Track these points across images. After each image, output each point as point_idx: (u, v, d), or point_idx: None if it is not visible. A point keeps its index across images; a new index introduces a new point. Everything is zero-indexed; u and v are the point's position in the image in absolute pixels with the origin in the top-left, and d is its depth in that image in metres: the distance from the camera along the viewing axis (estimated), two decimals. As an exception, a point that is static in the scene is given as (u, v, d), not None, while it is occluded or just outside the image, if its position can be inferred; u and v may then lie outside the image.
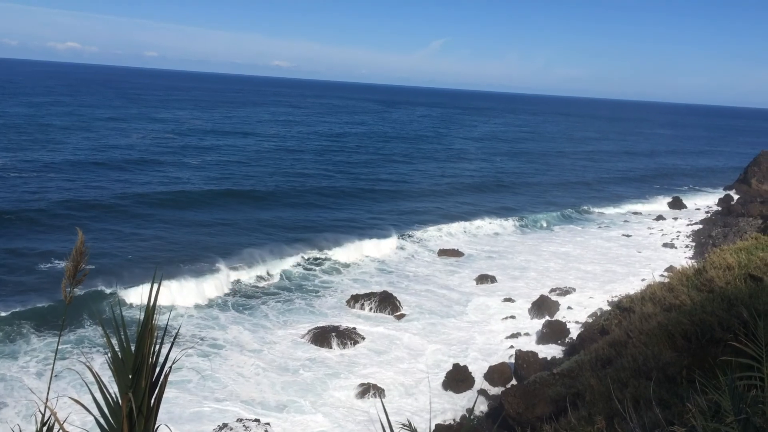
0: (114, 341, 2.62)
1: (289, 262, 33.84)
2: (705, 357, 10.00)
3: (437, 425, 18.53)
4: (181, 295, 27.53)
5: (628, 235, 46.42)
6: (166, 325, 3.52)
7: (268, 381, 21.36)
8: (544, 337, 25.84)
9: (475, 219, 47.06)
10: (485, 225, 46.15)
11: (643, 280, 32.80)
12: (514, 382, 21.33)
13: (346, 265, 35.08)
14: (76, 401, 2.65)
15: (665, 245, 43.45)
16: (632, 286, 30.73)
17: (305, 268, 33.83)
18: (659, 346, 11.97)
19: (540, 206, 55.26)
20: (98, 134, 78.67)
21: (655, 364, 11.26)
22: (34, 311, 24.41)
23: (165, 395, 2.68)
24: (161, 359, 2.67)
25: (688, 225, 50.85)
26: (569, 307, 29.54)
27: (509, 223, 47.50)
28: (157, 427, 2.66)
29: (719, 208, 58.41)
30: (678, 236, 46.47)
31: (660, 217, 53.85)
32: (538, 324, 27.23)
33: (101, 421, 2.57)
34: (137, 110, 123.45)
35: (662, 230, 48.78)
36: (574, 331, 25.67)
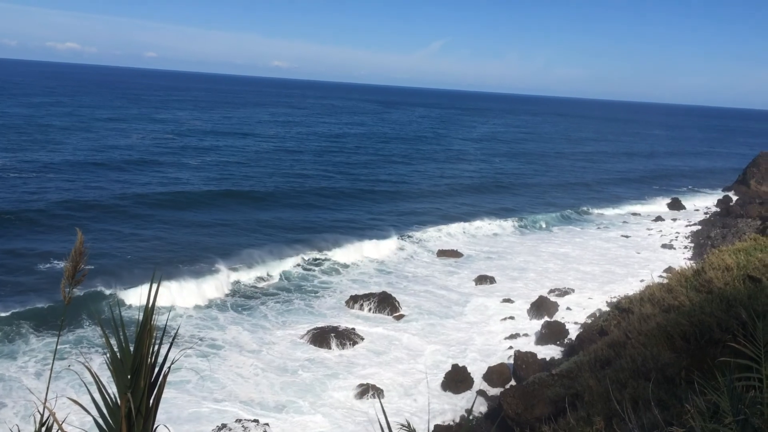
0: (113, 341, 2.62)
1: (289, 263, 33.83)
2: (704, 358, 10.01)
3: (436, 426, 18.53)
4: (180, 295, 27.52)
5: (627, 236, 46.45)
6: (165, 325, 3.52)
7: (267, 381, 21.35)
8: (543, 338, 25.85)
9: (474, 220, 47.08)
10: (484, 226, 46.17)
11: (642, 281, 32.82)
12: (513, 382, 21.33)
13: (345, 266, 35.08)
14: (75, 402, 2.65)
15: (664, 246, 43.48)
16: (631, 287, 30.73)
17: (304, 269, 33.83)
18: (658, 347, 11.97)
19: (539, 207, 55.28)
20: (98, 135, 78.65)
21: (654, 364, 11.27)
22: (33, 311, 24.40)
23: (164, 395, 2.68)
24: (160, 359, 2.67)
25: (686, 226, 50.88)
26: (568, 308, 29.54)
27: (508, 224, 47.52)
28: (156, 427, 2.66)
29: (718, 209, 58.45)
30: (677, 237, 46.50)
31: (659, 218, 53.89)
32: (537, 325, 27.24)
33: (100, 421, 2.57)
34: (137, 111, 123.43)
35: (661, 231, 48.81)
36: (573, 332, 25.68)
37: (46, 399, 2.64)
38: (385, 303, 28.46)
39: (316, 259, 35.13)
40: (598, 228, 49.67)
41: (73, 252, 2.88)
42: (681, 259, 38.68)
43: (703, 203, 62.81)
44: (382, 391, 20.91)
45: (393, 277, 33.99)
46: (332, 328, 25.45)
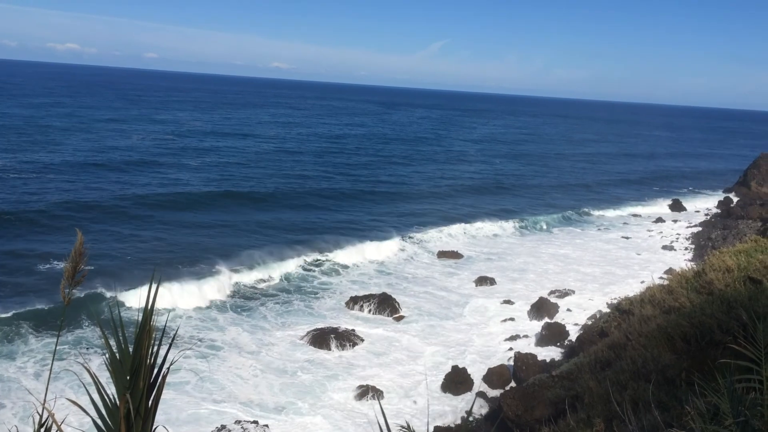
0: (112, 342, 2.61)
1: (288, 264, 33.81)
2: (704, 359, 10.00)
3: (436, 427, 18.51)
4: (179, 296, 27.51)
5: (627, 238, 46.45)
6: (165, 326, 3.52)
7: (267, 383, 21.34)
8: (543, 339, 25.84)
9: (474, 221, 47.08)
10: (485, 227, 46.17)
11: (642, 282, 32.79)
12: (513, 384, 21.32)
13: (345, 267, 35.08)
14: (74, 402, 2.64)
15: (664, 247, 43.47)
16: (631, 288, 30.72)
17: (304, 270, 33.82)
18: (658, 349, 11.96)
19: (539, 208, 55.29)
20: (98, 135, 78.67)
21: (654, 366, 11.25)
22: (33, 312, 24.39)
23: (163, 396, 2.67)
24: (159, 360, 2.67)
25: (687, 227, 50.87)
26: (568, 309, 29.53)
27: (509, 225, 47.52)
28: (155, 428, 2.65)
29: (719, 211, 58.45)
30: (677, 238, 46.49)
31: (659, 220, 53.88)
32: (537, 326, 27.22)
33: (99, 422, 2.56)
34: (137, 111, 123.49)
35: (661, 232, 48.80)
36: (573, 334, 25.65)
37: (45, 400, 2.64)
38: (385, 304, 28.45)
39: (315, 260, 35.13)
40: (599, 229, 49.67)
41: (72, 253, 2.87)
42: (681, 260, 38.66)
43: (703, 204, 62.82)
44: (381, 392, 20.89)
45: (393, 278, 33.98)
46: (332, 329, 25.44)
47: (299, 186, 55.93)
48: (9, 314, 23.99)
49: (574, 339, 24.42)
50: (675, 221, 53.91)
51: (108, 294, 26.87)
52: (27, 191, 43.84)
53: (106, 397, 2.56)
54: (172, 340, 2.81)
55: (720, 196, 67.30)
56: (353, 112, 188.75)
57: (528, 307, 29.36)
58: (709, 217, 55.80)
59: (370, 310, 28.30)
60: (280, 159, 72.38)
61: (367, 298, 29.14)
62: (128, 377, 2.56)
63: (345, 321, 27.00)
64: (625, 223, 52.60)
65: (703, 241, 44.40)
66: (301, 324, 26.49)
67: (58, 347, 22.42)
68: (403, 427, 3.33)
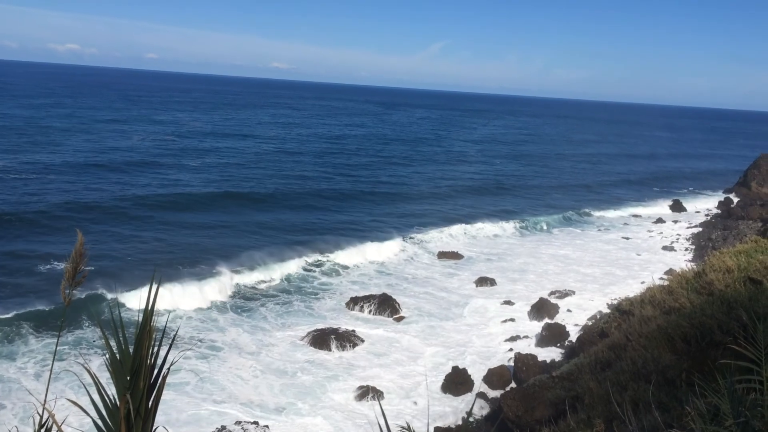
0: (112, 343, 2.62)
1: (288, 264, 33.81)
2: (704, 360, 9.99)
3: (436, 428, 18.50)
4: (179, 297, 27.51)
5: (627, 238, 46.44)
6: (165, 326, 3.52)
7: (267, 383, 21.33)
8: (543, 340, 25.83)
9: (474, 221, 47.08)
10: (485, 227, 46.17)
11: (642, 282, 32.77)
12: (513, 385, 21.31)
13: (346, 267, 35.08)
14: (74, 403, 2.64)
15: (665, 248, 43.46)
16: (632, 288, 30.72)
17: (304, 270, 33.81)
18: (659, 349, 11.96)
19: (540, 209, 55.29)
20: (98, 136, 78.70)
21: (655, 367, 11.25)
22: (33, 312, 24.40)
23: (163, 397, 2.67)
24: (159, 361, 2.67)
25: (687, 228, 50.86)
26: (569, 310, 29.52)
27: (509, 226, 47.51)
28: (155, 428, 2.65)
29: (719, 211, 58.45)
30: (678, 239, 46.48)
31: (660, 220, 53.88)
32: (537, 327, 27.21)
33: (99, 422, 2.56)
34: (137, 112, 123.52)
35: (662, 233, 48.80)
36: (574, 334, 25.64)
37: (45, 400, 2.64)
38: (385, 305, 28.45)
39: (316, 261, 35.13)
40: (599, 230, 49.66)
41: (73, 253, 2.87)
42: (682, 261, 38.64)
43: (704, 205, 62.81)
44: (382, 393, 20.89)
45: (393, 278, 33.98)
46: (332, 329, 25.44)
47: (299, 187, 55.94)
48: (9, 315, 24.00)
49: (574, 340, 24.41)
50: (675, 222, 53.91)
51: (108, 295, 26.87)
52: (27, 192, 43.85)
53: (106, 398, 2.56)
54: (173, 341, 2.81)
55: (720, 196, 67.29)
56: (353, 112, 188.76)
57: (528, 308, 29.35)
58: (709, 217, 55.79)
59: (370, 311, 28.30)
60: (280, 160, 72.39)
61: (367, 298, 29.14)
62: (128, 378, 2.56)
63: (345, 322, 27.00)
64: (625, 224, 52.59)
65: (704, 241, 44.40)
66: (302, 325, 26.49)
67: (58, 348, 22.41)
68: (403, 427, 3.33)
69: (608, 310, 26.55)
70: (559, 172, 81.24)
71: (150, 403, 2.62)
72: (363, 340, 25.08)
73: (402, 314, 28.31)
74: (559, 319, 28.26)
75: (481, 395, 21.01)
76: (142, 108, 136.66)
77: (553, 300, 30.37)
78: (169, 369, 2.65)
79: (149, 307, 2.64)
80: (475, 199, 58.35)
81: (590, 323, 26.70)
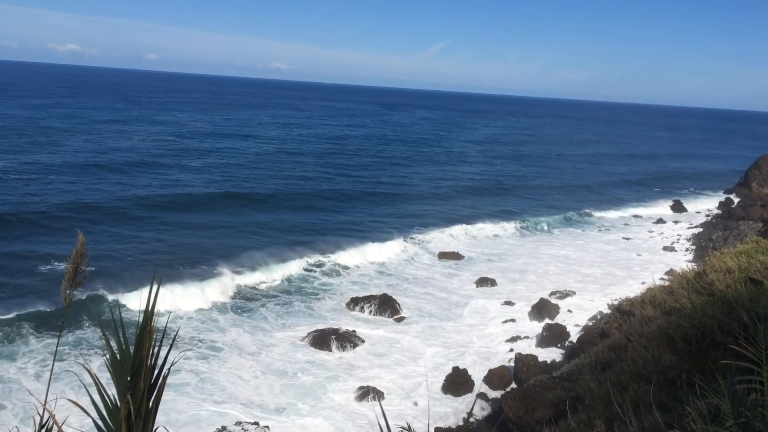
0: (113, 343, 2.62)
1: (289, 265, 33.80)
2: (705, 360, 9.99)
3: (437, 429, 18.50)
4: (180, 297, 27.51)
5: (628, 239, 46.42)
6: (165, 327, 3.52)
7: (267, 384, 21.33)
8: (543, 341, 25.82)
9: (475, 222, 47.08)
10: (486, 228, 46.16)
11: (643, 283, 32.76)
12: (513, 385, 21.30)
13: (346, 268, 35.07)
14: (75, 403, 2.64)
15: (665, 248, 43.45)
16: (632, 289, 30.71)
17: (305, 270, 33.81)
18: (659, 350, 11.95)
19: (540, 209, 55.28)
20: (98, 137, 78.74)
21: (655, 367, 11.24)
22: (34, 313, 24.41)
23: (163, 398, 2.67)
24: (160, 361, 2.67)
25: (688, 228, 50.84)
26: (569, 311, 29.51)
27: (509, 226, 47.51)
28: (156, 429, 2.66)
29: (720, 212, 58.42)
30: (678, 239, 46.47)
31: (660, 221, 53.86)
32: (537, 327, 27.20)
33: (99, 423, 2.56)
34: (137, 112, 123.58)
35: (662, 233, 48.78)
36: (574, 335, 25.63)
37: (46, 400, 2.64)
38: (386, 305, 28.45)
39: (316, 261, 35.12)
40: (599, 230, 49.65)
41: (74, 254, 2.88)
42: (682, 261, 38.63)
43: (704, 206, 62.78)
44: (382, 393, 20.88)
45: (393, 279, 33.98)
46: (333, 330, 25.44)
47: (300, 187, 55.95)
48: (10, 315, 24.01)
49: (574, 340, 24.40)
50: (676, 222, 53.89)
51: (109, 295, 26.87)
52: (28, 192, 43.87)
53: (106, 398, 2.56)
54: (173, 341, 2.81)
55: (721, 197, 67.27)
56: (354, 113, 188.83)
57: (529, 308, 29.34)
58: (709, 218, 55.76)
59: (370, 311, 28.30)
60: (281, 160, 72.40)
61: (367, 299, 29.14)
62: (129, 378, 2.56)
63: (345, 322, 27.00)
64: (626, 224, 52.58)
65: (704, 242, 44.38)
66: (302, 325, 26.49)
67: (58, 348, 22.43)
68: (404, 428, 3.33)
69: (609, 311, 26.53)
70: (560, 173, 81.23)
71: (150, 403, 2.62)
72: (363, 341, 25.09)
73: (402, 315, 28.31)
74: (560, 319, 28.25)
75: (482, 396, 21.01)
76: (143, 108, 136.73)
77: (553, 300, 30.37)
78: (169, 369, 2.65)
79: (150, 308, 2.64)
80: (476, 199, 58.35)
81: (591, 324, 26.69)
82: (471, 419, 19.26)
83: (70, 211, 40.01)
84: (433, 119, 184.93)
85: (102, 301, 26.43)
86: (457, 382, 21.51)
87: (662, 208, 60.48)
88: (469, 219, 48.03)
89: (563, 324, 26.99)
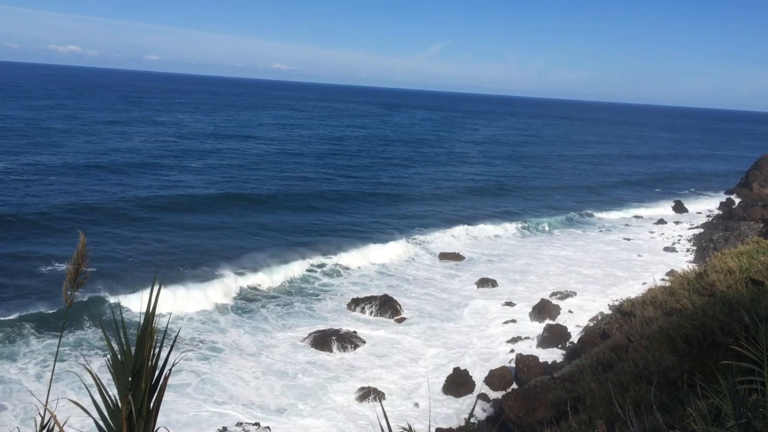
0: (114, 344, 2.62)
1: (289, 266, 33.78)
2: (706, 361, 9.98)
3: (437, 429, 18.50)
4: (180, 298, 27.52)
5: (629, 239, 46.39)
6: (166, 328, 3.53)
7: (268, 384, 21.33)
8: (544, 341, 25.80)
9: (476, 222, 47.08)
10: (486, 228, 46.15)
11: (644, 283, 32.74)
12: (514, 386, 21.29)
13: (347, 269, 35.07)
14: (76, 404, 2.64)
15: (666, 249, 43.42)
16: (633, 289, 30.69)
17: (305, 271, 33.80)
18: (660, 350, 11.95)
19: (541, 210, 55.27)
20: (99, 138, 78.80)
21: (656, 368, 11.24)
22: (35, 314, 24.42)
23: (164, 398, 2.68)
24: (161, 362, 2.67)
25: (689, 229, 50.81)
26: (570, 311, 29.49)
27: (510, 227, 47.50)
28: (157, 429, 2.66)
29: (720, 212, 58.38)
30: (679, 240, 46.44)
31: (661, 221, 53.84)
32: (538, 328, 27.19)
33: (101, 423, 2.57)
34: (138, 113, 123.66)
35: (663, 234, 48.75)
36: (575, 335, 25.62)
37: (47, 401, 2.64)
38: (387, 306, 28.44)
39: (317, 262, 35.11)
40: (600, 231, 49.63)
41: (75, 254, 2.88)
42: (683, 262, 38.59)
43: (705, 206, 62.74)
44: (383, 394, 20.88)
45: (394, 279, 33.97)
46: (333, 331, 25.44)
47: (301, 188, 55.97)
48: (11, 316, 24.02)
49: (575, 341, 24.40)
50: (677, 223, 53.86)
51: (110, 296, 26.89)
52: (29, 193, 43.90)
53: (108, 399, 2.56)
54: (174, 342, 2.81)
55: (722, 197, 67.23)
56: (354, 113, 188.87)
57: (529, 309, 29.33)
58: (710, 218, 55.72)
59: (371, 312, 28.29)
60: (282, 161, 72.43)
61: (368, 299, 29.14)
62: (130, 378, 2.56)
63: (346, 323, 26.99)
64: (626, 225, 52.55)
65: (705, 242, 44.35)
66: (303, 326, 26.49)
67: (59, 349, 22.43)
68: (405, 429, 3.33)
69: (609, 311, 26.52)
70: (561, 173, 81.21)
71: (152, 404, 2.62)
72: (364, 341, 25.08)
73: (403, 315, 28.30)
74: (561, 320, 28.23)
75: (483, 396, 21.00)
76: (143, 109, 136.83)
77: (554, 301, 30.35)
78: (170, 370, 2.66)
79: (151, 308, 2.64)
80: (477, 200, 58.35)
81: (591, 324, 26.67)
82: (472, 420, 19.25)
83: (70, 212, 40.03)
84: (433, 120, 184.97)
85: (103, 302, 26.44)
86: (458, 383, 21.51)
87: (663, 208, 60.44)
88: (470, 220, 48.02)
89: (564, 325, 26.97)
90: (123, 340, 2.61)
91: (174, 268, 31.18)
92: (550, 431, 11.39)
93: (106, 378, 2.63)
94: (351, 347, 24.43)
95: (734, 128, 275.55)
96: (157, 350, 2.65)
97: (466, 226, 45.66)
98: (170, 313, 25.99)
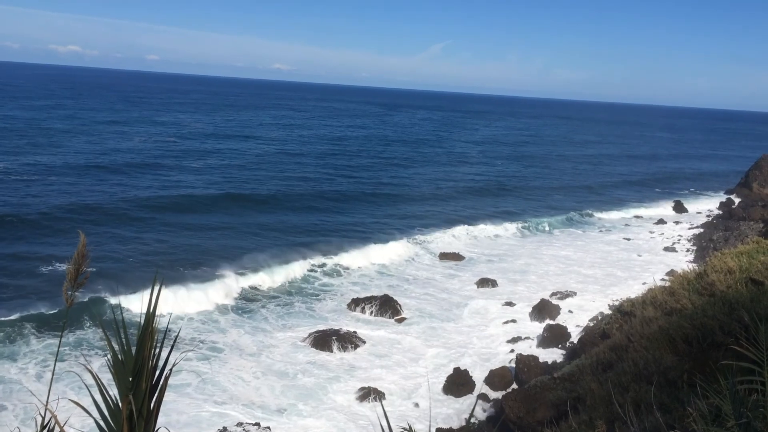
0: (114, 344, 2.62)
1: (290, 266, 33.78)
2: (706, 361, 9.98)
3: (438, 429, 18.50)
4: (181, 298, 27.52)
5: (629, 239, 46.39)
6: (166, 328, 3.53)
7: (268, 384, 21.33)
8: (544, 341, 25.80)
9: (476, 222, 47.09)
10: (486, 228, 46.15)
11: (644, 283, 32.73)
12: (514, 386, 21.29)
13: (347, 269, 35.07)
14: (77, 404, 2.65)
15: (666, 249, 43.42)
16: (633, 289, 30.69)
17: (306, 271, 33.80)
18: (660, 350, 11.95)
19: (541, 210, 55.27)
20: (99, 138, 78.81)
21: (656, 368, 11.24)
22: (35, 314, 24.43)
23: (164, 398, 2.68)
24: (161, 362, 2.67)
25: (689, 229, 50.81)
26: (570, 311, 29.50)
27: (510, 227, 47.50)
28: (157, 429, 2.66)
29: (720, 212, 58.38)
30: (679, 240, 46.44)
31: (661, 221, 53.84)
32: (538, 328, 27.19)
33: (101, 423, 2.57)
34: (138, 114, 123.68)
35: (663, 234, 48.74)
36: (575, 335, 25.62)
37: (47, 401, 2.65)
38: (387, 306, 28.45)
39: (317, 262, 35.11)
40: (600, 231, 49.63)
41: (75, 254, 2.88)
42: (683, 262, 38.58)
43: (705, 206, 62.73)
44: (383, 394, 20.88)
45: (394, 279, 33.97)
46: (333, 331, 25.44)
47: (301, 188, 55.98)
48: (12, 316, 24.02)
49: (575, 341, 24.40)
50: (677, 223, 53.85)
51: (110, 296, 26.89)
52: (29, 194, 43.91)
53: (108, 399, 2.56)
54: (174, 342, 2.82)
55: (722, 197, 67.23)
56: (354, 113, 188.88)
57: (529, 309, 29.33)
58: (710, 218, 55.71)
59: (371, 312, 28.30)
60: (282, 161, 72.43)
61: (368, 299, 29.14)
62: (131, 379, 2.57)
63: (346, 323, 26.99)
64: (626, 225, 52.54)
65: (705, 242, 44.35)
66: (303, 326, 26.50)
67: (60, 349, 22.43)
68: (405, 429, 3.33)
69: (609, 311, 26.52)
70: (561, 173, 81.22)
71: (152, 404, 2.63)
72: (364, 342, 25.08)
73: (403, 315, 28.30)
74: (561, 320, 28.23)
75: (483, 396, 21.00)
76: (144, 109, 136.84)
77: (554, 301, 30.36)
78: (171, 370, 2.66)
79: (151, 309, 2.64)
80: (477, 200, 58.35)
81: (591, 324, 26.66)
82: (472, 420, 19.26)
83: (71, 212, 40.04)
84: (433, 120, 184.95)
85: (103, 302, 26.44)
86: (458, 383, 21.51)
87: (663, 208, 60.43)
88: (470, 220, 48.02)
89: (564, 325, 26.97)
90: (123, 340, 2.61)
91: (174, 269, 31.19)
92: (551, 431, 11.39)
93: (107, 378, 2.63)
94: (351, 347, 24.43)
95: (734, 128, 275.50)
96: (157, 350, 2.65)
97: (466, 226, 45.65)
98: (171, 314, 25.99)
